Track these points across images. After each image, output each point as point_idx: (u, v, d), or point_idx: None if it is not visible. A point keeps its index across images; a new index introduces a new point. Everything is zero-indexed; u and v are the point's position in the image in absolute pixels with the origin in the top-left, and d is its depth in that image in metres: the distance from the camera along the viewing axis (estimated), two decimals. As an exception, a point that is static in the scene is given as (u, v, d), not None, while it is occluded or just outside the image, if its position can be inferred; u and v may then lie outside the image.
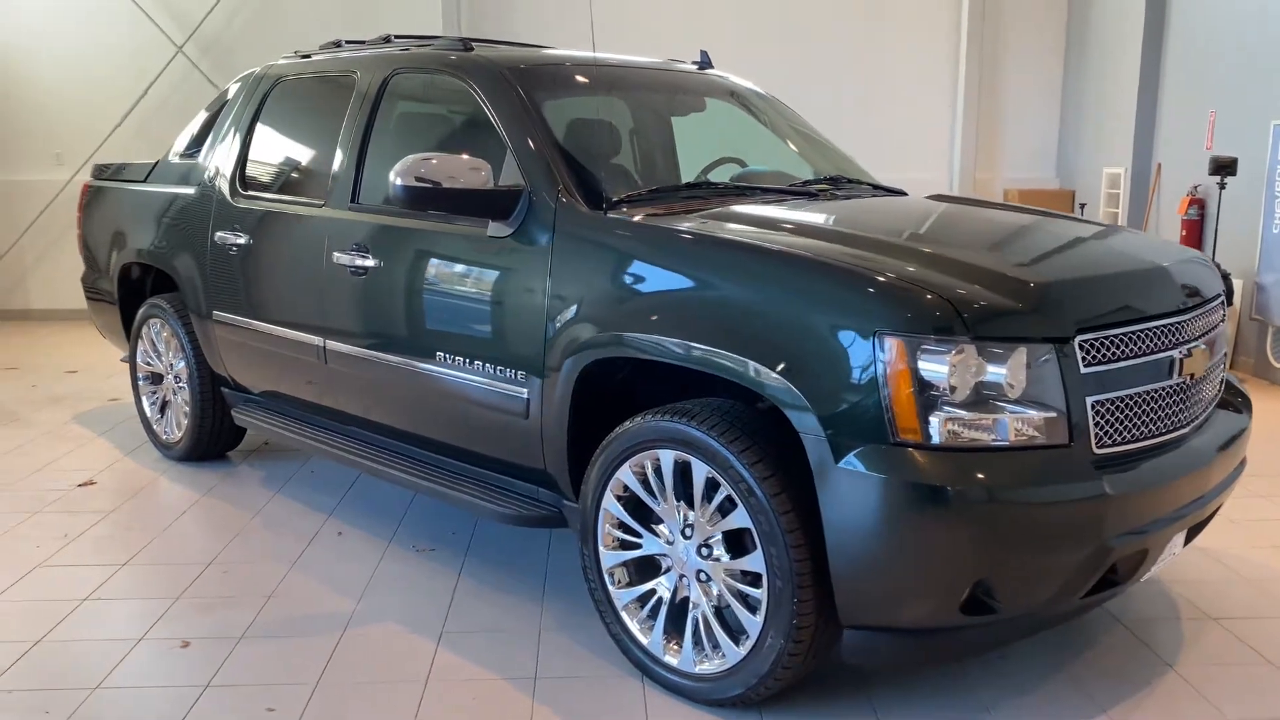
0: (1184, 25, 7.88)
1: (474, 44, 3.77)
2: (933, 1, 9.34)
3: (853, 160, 4.21)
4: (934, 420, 2.36)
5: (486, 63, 3.58)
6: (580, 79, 3.82)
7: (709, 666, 2.76)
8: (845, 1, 9.30)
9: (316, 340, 3.91)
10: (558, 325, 3.05)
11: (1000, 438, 2.39)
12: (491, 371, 3.27)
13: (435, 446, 3.67)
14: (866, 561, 2.41)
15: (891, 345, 2.36)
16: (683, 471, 2.77)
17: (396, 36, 4.18)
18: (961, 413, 2.37)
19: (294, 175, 4.33)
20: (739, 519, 2.62)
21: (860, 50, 9.35)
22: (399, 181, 3.11)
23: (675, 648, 2.86)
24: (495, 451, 3.41)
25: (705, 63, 4.38)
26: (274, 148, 4.45)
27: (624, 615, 2.96)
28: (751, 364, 2.56)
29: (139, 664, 3.06)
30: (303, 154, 4.40)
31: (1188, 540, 2.90)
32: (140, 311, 5.04)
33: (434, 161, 3.13)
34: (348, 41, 4.41)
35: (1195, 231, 7.47)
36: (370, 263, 3.63)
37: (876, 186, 3.91)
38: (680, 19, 9.14)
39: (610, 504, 2.95)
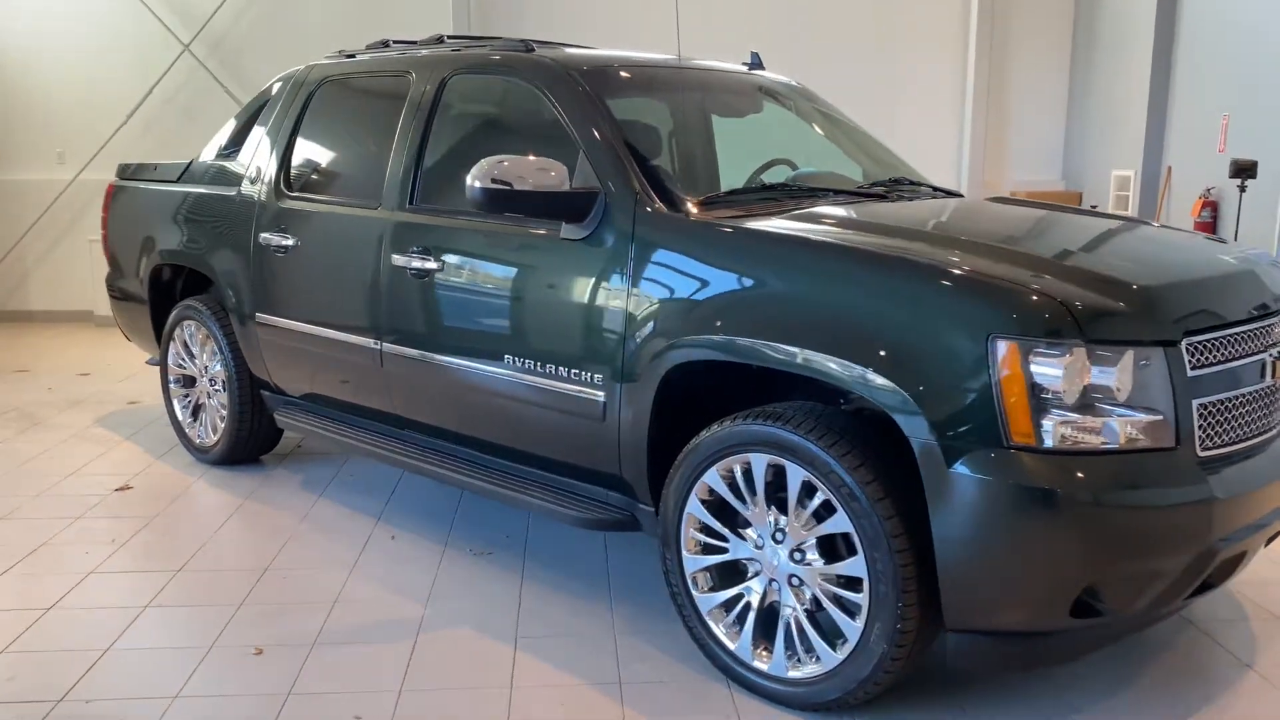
0: (1195, 29, 7.95)
1: (534, 44, 3.74)
2: (941, 5, 9.38)
3: (905, 162, 4.22)
4: (1047, 423, 2.36)
5: (553, 63, 3.55)
6: (642, 80, 3.80)
7: (804, 671, 2.75)
8: (854, 4, 9.33)
9: (372, 343, 3.87)
10: (639, 329, 3.03)
11: (1110, 441, 2.39)
12: (565, 375, 3.24)
13: (497, 450, 3.64)
14: (978, 566, 2.41)
15: (1005, 348, 2.36)
16: (774, 475, 2.75)
17: (449, 37, 4.14)
18: (1074, 416, 2.37)
19: (345, 176, 4.27)
20: (839, 524, 2.60)
21: (868, 52, 9.38)
22: (477, 184, 3.07)
23: (764, 653, 2.84)
24: (564, 455, 3.38)
25: (756, 63, 4.37)
26: (322, 148, 4.39)
27: (709, 620, 2.95)
28: (859, 369, 2.54)
29: (215, 671, 3.01)
30: (353, 155, 4.34)
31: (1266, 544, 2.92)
32: (173, 314, 4.96)
33: (506, 164, 3.10)
34: (395, 41, 4.37)
35: (1209, 234, 7.54)
36: (432, 265, 3.59)
37: (935, 189, 3.91)
38: (685, 24, 9.09)
39: (695, 508, 2.93)
